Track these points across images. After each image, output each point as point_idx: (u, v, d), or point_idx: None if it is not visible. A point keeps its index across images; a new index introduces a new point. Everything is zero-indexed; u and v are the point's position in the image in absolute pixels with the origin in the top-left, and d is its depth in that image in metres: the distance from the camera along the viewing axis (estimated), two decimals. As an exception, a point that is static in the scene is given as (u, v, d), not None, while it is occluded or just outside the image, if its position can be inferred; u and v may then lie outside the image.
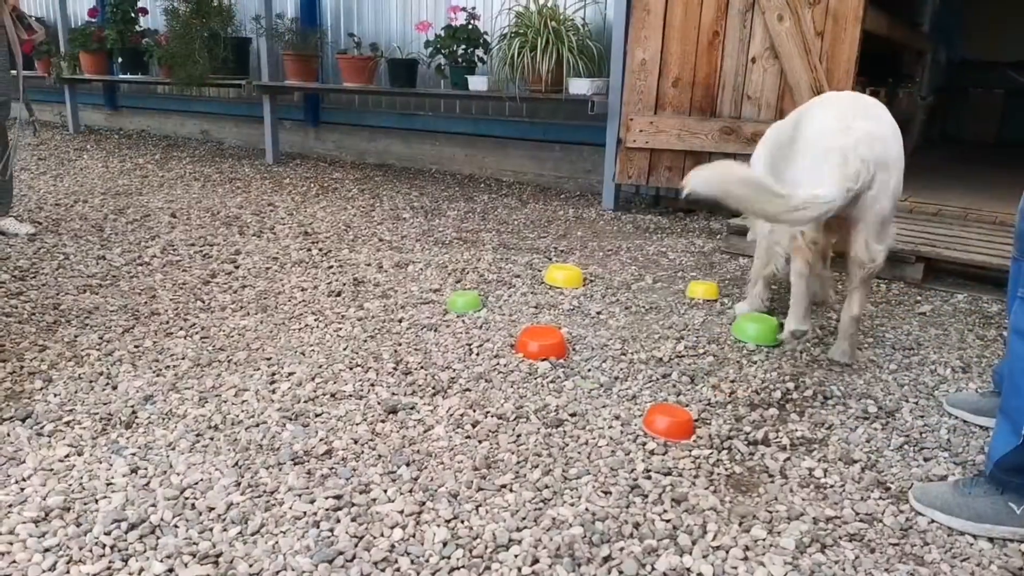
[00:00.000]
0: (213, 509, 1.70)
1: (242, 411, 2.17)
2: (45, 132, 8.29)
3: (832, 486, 1.88)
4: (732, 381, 2.46)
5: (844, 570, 1.57)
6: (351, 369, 2.47)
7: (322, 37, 6.60)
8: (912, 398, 2.37)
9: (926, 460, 2.01)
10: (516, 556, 1.58)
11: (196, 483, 1.80)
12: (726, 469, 1.94)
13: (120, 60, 7.50)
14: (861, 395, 2.38)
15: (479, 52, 5.44)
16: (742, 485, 1.88)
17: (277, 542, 1.60)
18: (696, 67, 4.51)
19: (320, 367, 2.48)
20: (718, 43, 4.44)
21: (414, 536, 1.64)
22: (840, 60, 4.21)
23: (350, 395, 2.29)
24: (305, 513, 1.70)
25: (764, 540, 1.66)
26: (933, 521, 1.74)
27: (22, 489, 1.76)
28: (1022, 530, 1.67)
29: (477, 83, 5.31)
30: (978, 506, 1.70)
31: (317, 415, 2.16)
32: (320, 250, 3.90)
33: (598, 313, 3.04)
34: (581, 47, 4.85)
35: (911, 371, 2.59)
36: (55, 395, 2.24)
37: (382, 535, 1.63)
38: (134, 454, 1.93)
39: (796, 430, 2.15)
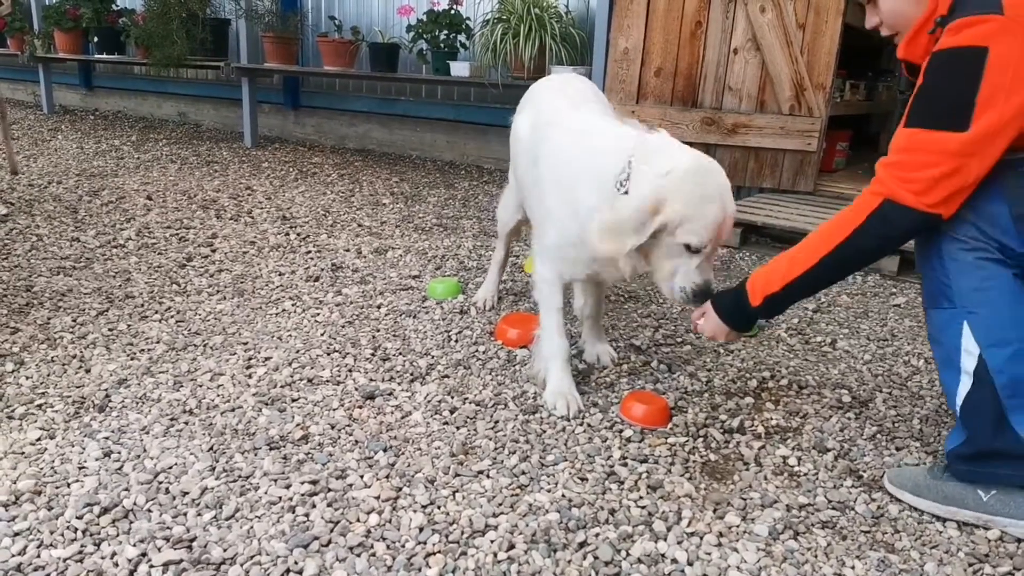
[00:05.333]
0: (187, 493, 1.69)
1: (217, 396, 2.16)
2: (18, 112, 8.14)
3: (805, 474, 1.90)
4: (709, 370, 2.47)
5: (816, 556, 1.59)
6: (328, 355, 2.46)
7: (302, 19, 6.52)
8: (886, 388, 2.40)
9: (898, 450, 2.04)
10: (492, 541, 1.58)
11: (170, 467, 1.79)
12: (701, 456, 1.96)
13: (96, 39, 7.37)
14: (836, 385, 2.41)
15: (461, 38, 5.40)
16: (717, 472, 1.89)
17: (252, 527, 1.59)
18: (678, 57, 4.51)
19: (297, 352, 2.46)
20: (700, 34, 4.44)
21: (390, 521, 1.63)
22: (821, 53, 4.23)
23: (327, 380, 2.28)
24: (280, 498, 1.69)
25: (738, 527, 1.68)
26: (904, 509, 1.77)
27: (-8, 472, 1.74)
28: (986, 516, 1.70)
29: (459, 69, 5.28)
30: (946, 489, 1.73)
31: (294, 400, 2.15)
32: (298, 235, 3.87)
33: (577, 301, 3.04)
34: (564, 34, 4.83)
35: (885, 362, 2.62)
36: (27, 378, 2.21)
37: (358, 520, 1.63)
38: (107, 438, 1.91)
39: (771, 419, 2.17)
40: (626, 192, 1.81)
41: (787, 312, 3.03)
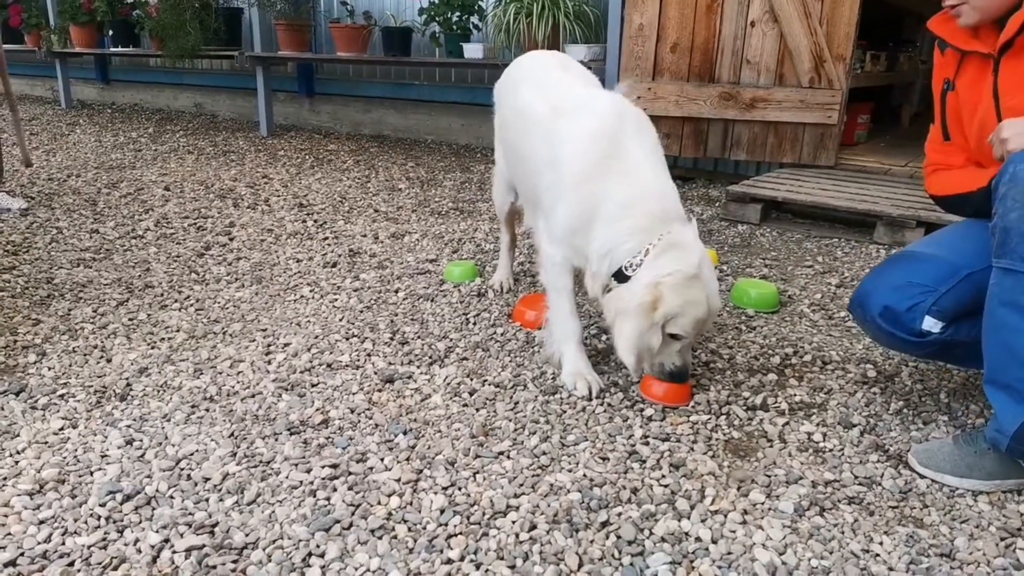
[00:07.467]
0: (209, 479, 1.69)
1: (237, 382, 2.16)
2: (37, 107, 8.21)
3: (831, 450, 1.87)
4: (731, 347, 2.44)
5: (843, 533, 1.57)
6: (347, 339, 2.45)
7: (314, 6, 6.50)
8: (911, 362, 2.36)
9: (925, 424, 2.00)
10: (514, 522, 1.57)
11: (191, 454, 1.79)
12: (724, 434, 1.93)
13: (111, 33, 7.40)
14: (860, 360, 2.37)
15: (474, 19, 5.36)
16: (740, 450, 1.87)
17: (273, 511, 1.59)
18: (694, 32, 4.44)
19: (316, 338, 2.46)
20: (716, 7, 4.37)
21: (411, 504, 1.63)
22: (840, 24, 4.14)
23: (346, 365, 2.28)
24: (302, 482, 1.69)
25: (763, 504, 1.65)
26: (932, 483, 1.74)
27: (16, 462, 1.75)
28: None
29: (472, 51, 5.24)
30: (987, 465, 1.70)
31: (313, 385, 2.15)
32: (315, 222, 3.87)
33: (596, 281, 3.01)
34: (578, 12, 4.77)
35: (911, 335, 2.57)
36: (49, 368, 2.22)
37: (379, 503, 1.63)
38: (129, 426, 1.92)
39: (795, 395, 2.14)
40: (630, 276, 1.97)
41: (810, 287, 2.99)
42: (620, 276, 2.00)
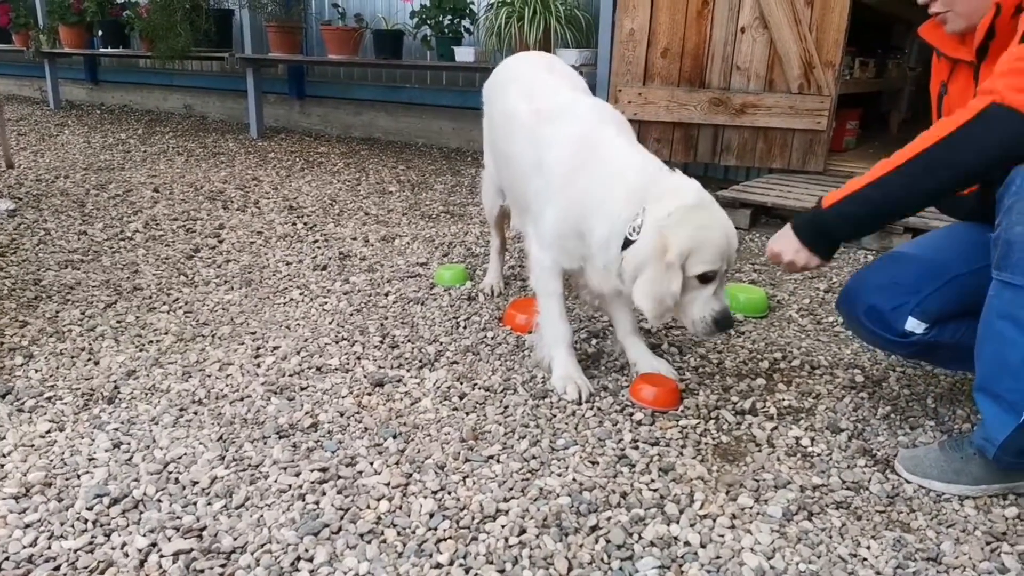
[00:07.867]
0: (197, 483, 1.69)
1: (226, 385, 2.15)
2: (25, 108, 8.16)
3: (819, 455, 1.88)
4: (720, 351, 2.45)
5: (831, 537, 1.58)
6: (337, 343, 2.45)
7: (306, 8, 6.48)
8: (899, 367, 2.37)
9: (912, 428, 2.02)
10: (503, 526, 1.57)
11: (179, 457, 1.79)
12: (713, 439, 1.94)
13: (100, 33, 7.35)
14: (848, 365, 2.38)
15: (465, 23, 5.36)
16: (729, 454, 1.88)
17: (262, 515, 1.59)
18: (685, 37, 4.46)
19: (305, 341, 2.45)
20: (707, 13, 4.38)
21: (400, 508, 1.63)
22: (829, 30, 4.17)
23: (336, 368, 2.27)
24: (290, 486, 1.68)
25: (751, 508, 1.66)
26: (919, 488, 1.75)
27: (2, 465, 1.74)
28: (1012, 483, 1.71)
29: (464, 54, 5.24)
30: (973, 470, 1.71)
31: (302, 389, 2.14)
32: (305, 224, 3.86)
33: (586, 285, 3.02)
34: (569, 17, 4.78)
35: (898, 340, 2.58)
36: (36, 371, 2.21)
37: (368, 507, 1.62)
38: (117, 429, 1.91)
39: (783, 400, 2.15)
40: (635, 239, 1.89)
41: (799, 292, 3.00)
42: (627, 245, 1.91)
